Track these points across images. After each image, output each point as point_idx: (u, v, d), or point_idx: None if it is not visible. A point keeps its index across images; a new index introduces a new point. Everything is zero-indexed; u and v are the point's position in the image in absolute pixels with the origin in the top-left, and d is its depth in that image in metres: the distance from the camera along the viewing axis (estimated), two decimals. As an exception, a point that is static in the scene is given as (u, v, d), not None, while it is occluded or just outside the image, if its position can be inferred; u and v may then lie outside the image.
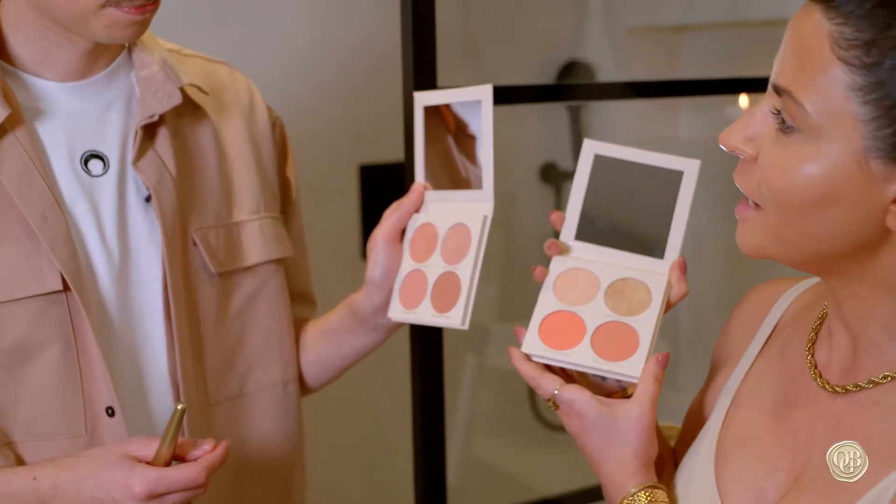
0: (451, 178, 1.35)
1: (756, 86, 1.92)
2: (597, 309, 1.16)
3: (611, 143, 1.21)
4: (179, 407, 1.15)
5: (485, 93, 1.27)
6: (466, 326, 1.25)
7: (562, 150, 2.80)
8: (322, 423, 2.21)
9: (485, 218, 1.27)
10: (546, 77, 2.76)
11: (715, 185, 2.73)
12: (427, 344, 1.48)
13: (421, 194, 1.34)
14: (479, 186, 1.29)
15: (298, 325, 1.49)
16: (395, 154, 2.50)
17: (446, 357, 1.51)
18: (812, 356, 1.01)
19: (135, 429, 1.26)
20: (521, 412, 2.77)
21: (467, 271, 1.26)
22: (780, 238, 0.92)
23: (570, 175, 2.80)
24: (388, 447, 2.49)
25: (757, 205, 0.93)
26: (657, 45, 2.73)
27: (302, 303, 1.51)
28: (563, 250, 1.21)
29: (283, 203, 1.47)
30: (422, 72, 1.39)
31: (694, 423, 1.16)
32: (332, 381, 1.51)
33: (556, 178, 2.78)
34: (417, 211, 1.35)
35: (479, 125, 1.29)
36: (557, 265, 1.20)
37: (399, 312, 1.33)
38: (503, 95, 1.41)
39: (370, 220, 2.51)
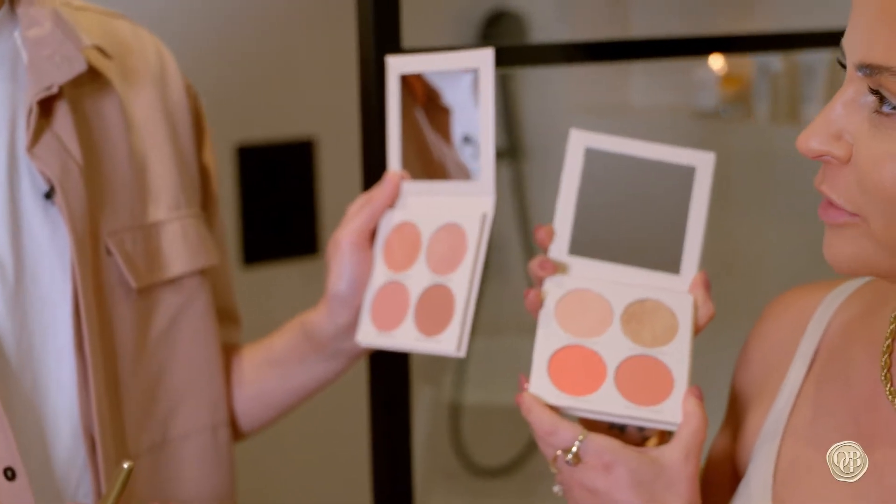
0: (424, 163, 1.35)
1: (725, 45, 1.93)
2: (615, 341, 1.16)
3: (604, 135, 1.22)
4: (126, 466, 1.11)
5: (483, 59, 1.26)
6: (463, 353, 1.25)
7: (487, 122, 2.83)
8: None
9: (484, 216, 1.26)
10: (466, 33, 2.78)
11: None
12: (390, 375, 1.47)
13: (397, 186, 1.34)
14: (467, 175, 1.29)
15: (228, 353, 1.47)
16: (283, 131, 2.49)
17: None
18: (891, 385, 1.02)
19: (39, 492, 1.22)
20: (443, 453, 2.80)
21: (463, 283, 1.25)
22: (893, 247, 0.93)
23: (499, 153, 2.83)
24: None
25: (852, 213, 0.94)
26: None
27: (227, 322, 1.49)
28: (560, 269, 1.21)
29: (203, 197, 1.45)
30: (385, 28, 1.39)
31: (724, 471, 1.17)
32: (272, 424, 1.50)
33: (480, 157, 2.81)
34: (392, 207, 1.35)
35: (461, 95, 1.28)
36: (555, 288, 1.20)
37: (371, 335, 1.31)
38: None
39: (252, 216, 2.49)
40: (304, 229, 2.57)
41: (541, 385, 1.14)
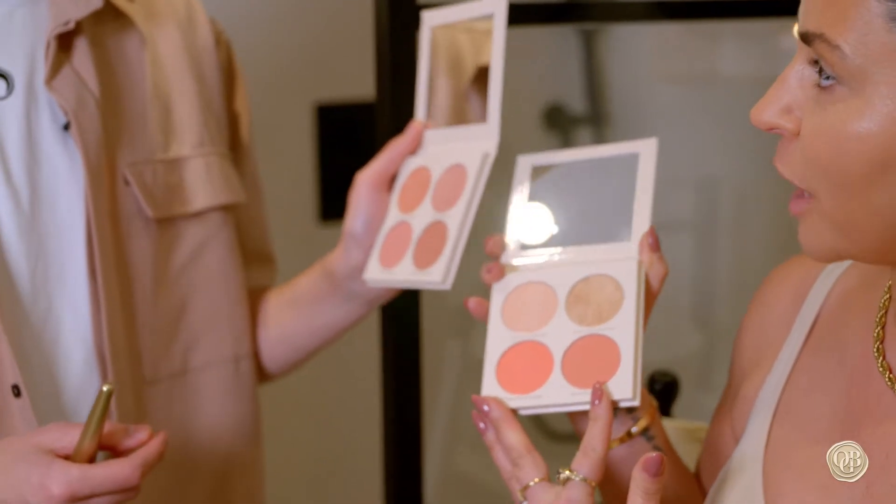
0: (461, 116, 1.40)
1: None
2: (561, 328, 1.16)
3: (549, 152, 1.28)
4: (105, 388, 1.15)
5: (498, 4, 1.31)
6: (448, 286, 1.28)
7: (571, 87, 2.84)
8: (270, 426, 2.26)
9: (485, 156, 1.30)
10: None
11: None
12: (401, 327, 1.51)
13: (419, 133, 1.38)
14: (483, 120, 1.33)
15: (257, 294, 1.53)
16: (362, 91, 2.54)
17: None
18: (884, 358, 1.02)
19: (48, 412, 1.28)
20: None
21: (457, 218, 1.29)
22: (845, 226, 0.93)
23: (581, 120, 2.84)
24: (352, 455, 2.53)
25: (810, 194, 0.95)
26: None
27: (259, 264, 1.55)
28: (508, 270, 1.23)
29: (231, 142, 1.51)
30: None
31: (719, 446, 1.18)
32: (297, 366, 1.55)
33: (563, 123, 2.82)
34: (414, 154, 1.39)
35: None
36: (500, 289, 1.22)
37: (376, 272, 1.36)
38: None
39: (329, 173, 2.54)
40: (380, 188, 2.62)
41: (491, 392, 1.15)
